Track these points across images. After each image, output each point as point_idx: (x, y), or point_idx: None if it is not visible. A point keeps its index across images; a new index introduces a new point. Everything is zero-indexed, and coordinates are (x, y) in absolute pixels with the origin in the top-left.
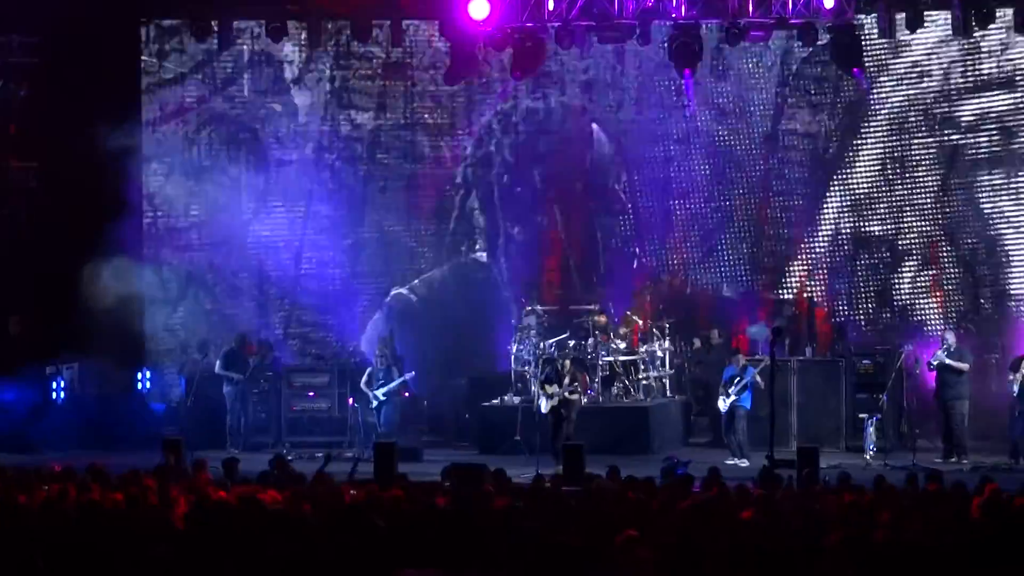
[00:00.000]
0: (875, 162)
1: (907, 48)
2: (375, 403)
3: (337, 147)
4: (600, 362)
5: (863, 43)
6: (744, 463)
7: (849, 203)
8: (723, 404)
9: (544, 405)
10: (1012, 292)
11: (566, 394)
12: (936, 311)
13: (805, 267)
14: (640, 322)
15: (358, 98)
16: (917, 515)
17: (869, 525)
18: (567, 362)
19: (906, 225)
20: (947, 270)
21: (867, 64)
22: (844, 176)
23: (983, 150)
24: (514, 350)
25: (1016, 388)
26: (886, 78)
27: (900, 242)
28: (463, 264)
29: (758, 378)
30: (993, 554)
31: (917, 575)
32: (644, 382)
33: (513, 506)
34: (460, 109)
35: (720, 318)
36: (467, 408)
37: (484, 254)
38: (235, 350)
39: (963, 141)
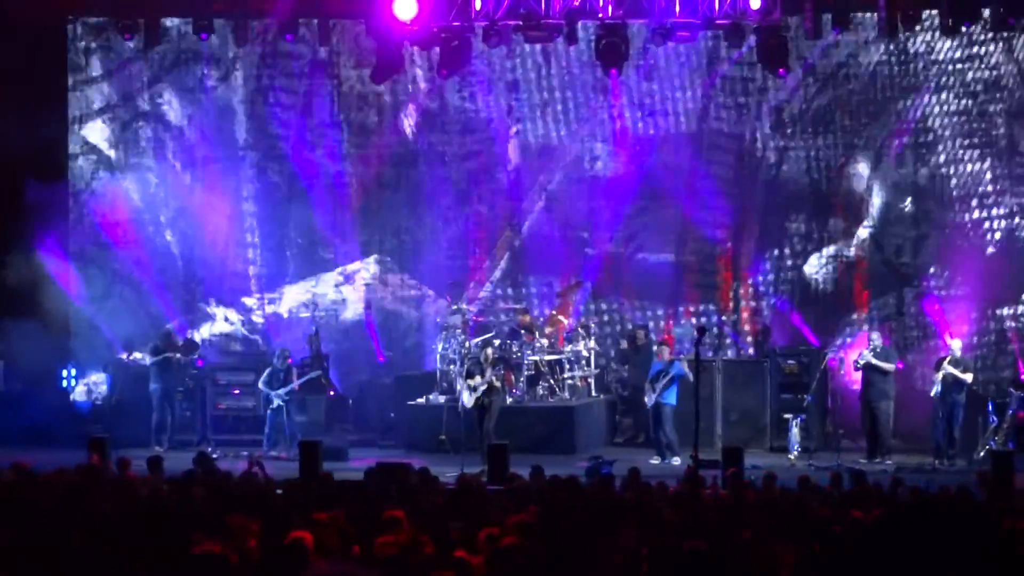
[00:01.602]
0: (801, 161)
1: (834, 49)
2: (276, 403)
3: (262, 145)
4: (525, 361)
5: (789, 44)
6: (676, 461)
7: (776, 203)
8: (649, 400)
9: (468, 399)
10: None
11: (493, 379)
12: (861, 311)
13: (730, 267)
14: (565, 321)
15: (284, 96)
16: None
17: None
18: (488, 350)
19: (832, 225)
20: (872, 270)
21: (793, 65)
22: (772, 176)
23: (909, 151)
24: (439, 349)
25: (938, 389)
26: (812, 79)
27: (826, 241)
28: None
29: (687, 370)
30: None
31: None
32: (569, 382)
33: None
34: (387, 108)
35: (645, 318)
36: (393, 407)
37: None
38: (160, 347)
39: (889, 142)
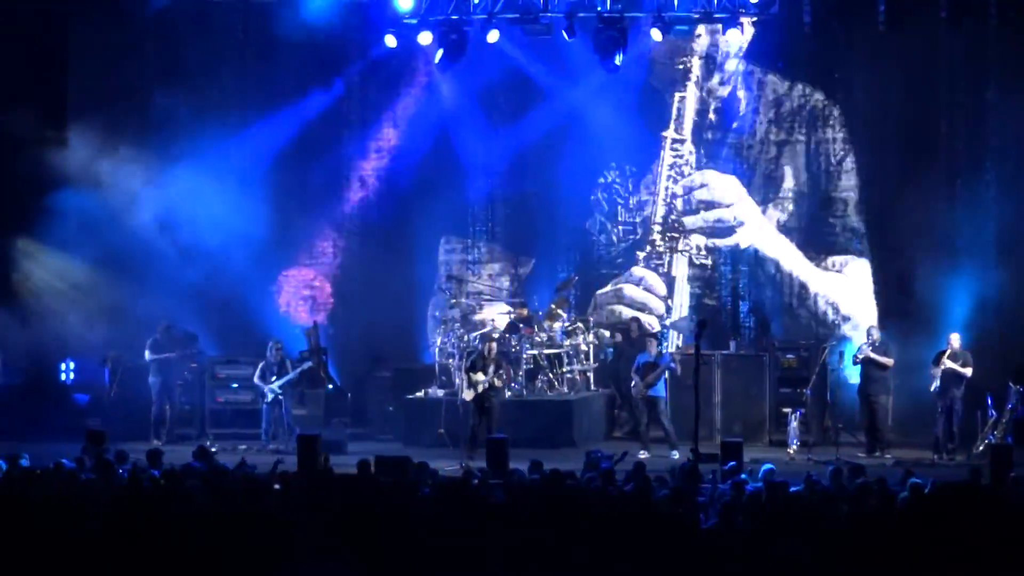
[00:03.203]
0: (799, 157)
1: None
2: (271, 397)
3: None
4: (524, 356)
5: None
6: (675, 455)
7: (774, 198)
8: (635, 391)
9: (468, 393)
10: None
11: (494, 379)
12: (861, 305)
13: (730, 261)
14: (564, 315)
15: None
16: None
17: None
18: (491, 345)
19: (833, 220)
20: (872, 264)
21: (792, 60)
22: (770, 171)
23: (911, 146)
24: (438, 342)
25: (937, 384)
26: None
27: (827, 237)
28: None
29: (676, 364)
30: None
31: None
32: (568, 376)
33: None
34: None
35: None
36: (391, 400)
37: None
38: (159, 341)
39: (889, 137)
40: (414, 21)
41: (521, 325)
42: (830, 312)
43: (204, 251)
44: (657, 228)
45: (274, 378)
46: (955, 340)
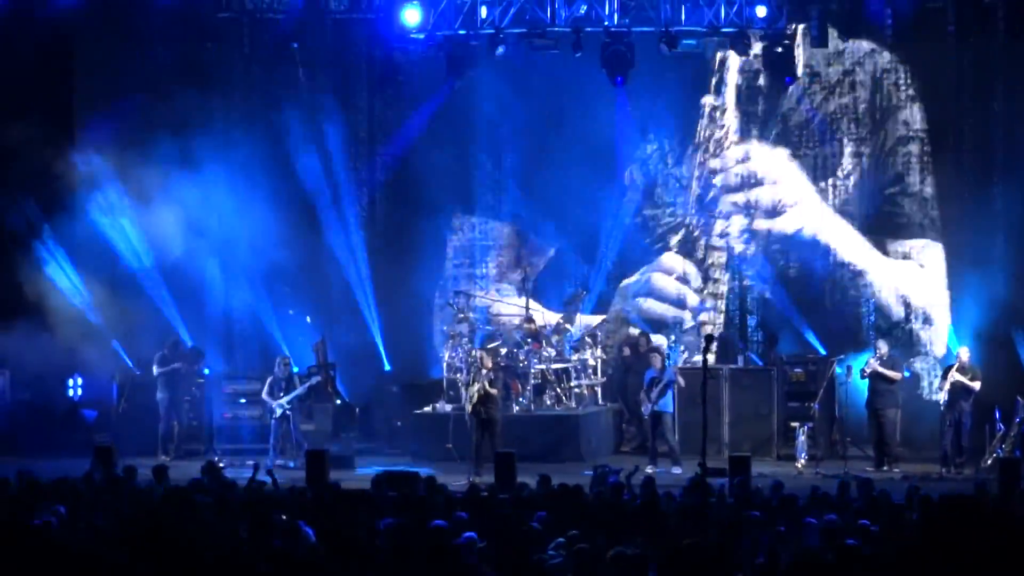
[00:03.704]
0: (807, 170)
1: (839, 58)
2: (279, 412)
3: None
4: (532, 370)
5: (795, 52)
6: (677, 470)
7: (778, 212)
8: (645, 409)
9: (469, 407)
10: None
11: (485, 384)
12: (868, 319)
13: (737, 277)
14: (572, 329)
15: None
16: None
17: None
18: (481, 355)
19: (838, 233)
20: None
21: (799, 73)
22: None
23: (914, 159)
24: (446, 357)
25: (945, 398)
26: (818, 87)
27: (833, 250)
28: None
29: (679, 378)
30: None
31: None
32: (576, 390)
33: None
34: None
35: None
36: (400, 415)
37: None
38: (167, 356)
39: (895, 149)
40: (421, 36)
41: (529, 340)
42: (896, 306)
43: (211, 266)
44: (692, 209)
45: (282, 393)
46: (964, 353)
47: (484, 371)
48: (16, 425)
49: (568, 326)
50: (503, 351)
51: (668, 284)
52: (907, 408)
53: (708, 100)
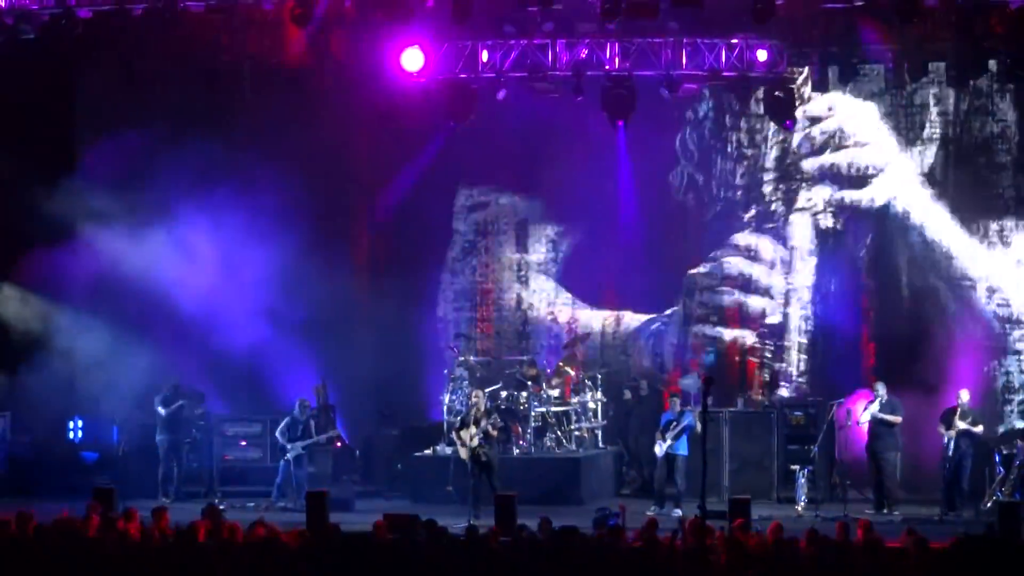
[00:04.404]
0: (807, 214)
1: (839, 102)
2: (292, 454)
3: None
4: (532, 413)
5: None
6: (677, 512)
7: (783, 258)
8: (659, 449)
9: (463, 451)
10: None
11: (489, 428)
12: (868, 363)
13: (736, 320)
14: (572, 373)
15: None
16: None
17: None
18: (475, 396)
19: (838, 277)
20: (878, 321)
21: (799, 117)
22: (778, 228)
23: (916, 203)
24: (446, 400)
25: (949, 441)
26: (818, 132)
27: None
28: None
29: (696, 422)
30: None
31: None
32: (576, 433)
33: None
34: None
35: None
36: (399, 458)
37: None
38: (169, 398)
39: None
40: (422, 80)
41: (529, 383)
42: (985, 299)
43: (211, 309)
44: (769, 177)
45: (300, 436)
46: (964, 396)
47: (483, 412)
48: (16, 467)
49: (568, 369)
50: (503, 393)
51: (743, 266)
52: (907, 451)
53: None
